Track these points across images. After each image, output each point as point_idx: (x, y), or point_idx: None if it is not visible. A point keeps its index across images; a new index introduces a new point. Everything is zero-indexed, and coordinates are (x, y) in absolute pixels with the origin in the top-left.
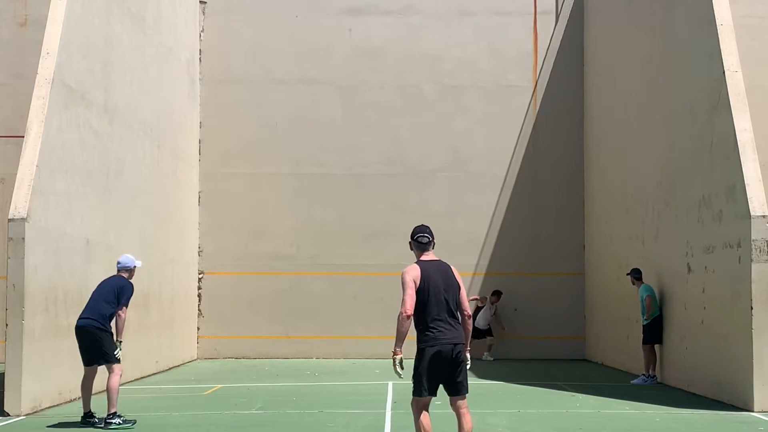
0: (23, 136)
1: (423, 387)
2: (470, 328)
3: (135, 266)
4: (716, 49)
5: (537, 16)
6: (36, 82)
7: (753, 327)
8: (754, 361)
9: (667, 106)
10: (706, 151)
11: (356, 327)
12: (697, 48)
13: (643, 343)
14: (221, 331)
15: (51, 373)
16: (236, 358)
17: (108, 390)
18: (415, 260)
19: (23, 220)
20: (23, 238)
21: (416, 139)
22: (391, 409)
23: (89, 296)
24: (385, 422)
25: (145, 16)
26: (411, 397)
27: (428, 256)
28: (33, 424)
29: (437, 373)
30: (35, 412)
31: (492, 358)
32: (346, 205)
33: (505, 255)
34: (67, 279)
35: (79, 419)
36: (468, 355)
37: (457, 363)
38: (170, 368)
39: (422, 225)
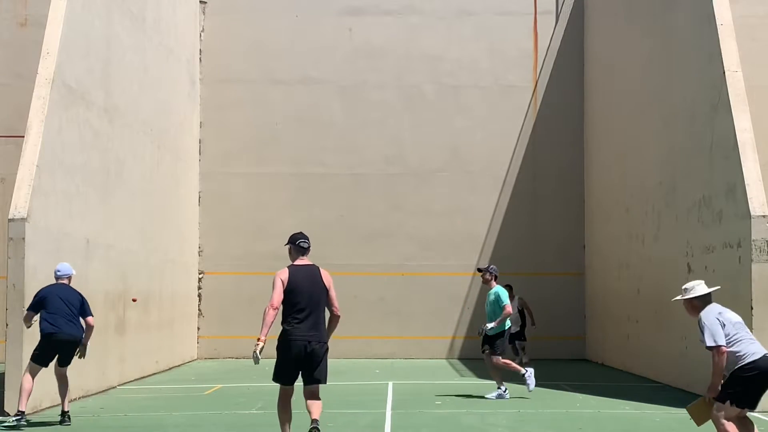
0: (23, 136)
1: (278, 376)
2: (336, 324)
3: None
4: (716, 49)
5: (537, 16)
6: (36, 82)
7: (753, 327)
8: None
9: (667, 106)
10: (706, 151)
11: (356, 327)
12: (697, 48)
13: (500, 354)
14: (221, 331)
15: (51, 373)
16: (236, 358)
17: (66, 390)
18: (290, 263)
19: (23, 220)
20: (23, 238)
21: (416, 139)
22: (391, 409)
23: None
24: (385, 422)
25: (145, 16)
26: (406, 397)
27: (302, 260)
28: (33, 424)
29: (289, 364)
30: (35, 412)
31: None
32: (346, 205)
33: (505, 255)
34: None
35: (62, 419)
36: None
37: (311, 357)
38: (170, 368)
39: (301, 232)
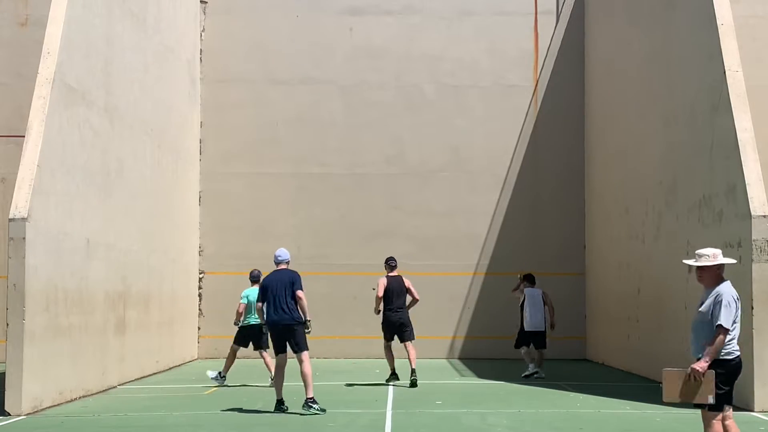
0: (24, 136)
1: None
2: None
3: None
4: (717, 49)
5: (537, 16)
6: (37, 82)
7: (753, 327)
8: (754, 361)
9: (667, 106)
10: (707, 150)
11: (356, 327)
12: (698, 48)
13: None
14: (222, 330)
15: (51, 372)
16: (236, 358)
17: (304, 376)
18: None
19: (24, 219)
20: (24, 238)
21: (416, 139)
22: (391, 409)
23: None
24: (385, 422)
25: (146, 16)
26: (406, 397)
27: (393, 272)
28: (33, 424)
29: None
30: (36, 411)
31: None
32: (346, 205)
33: (505, 255)
34: (68, 279)
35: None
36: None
37: (399, 326)
38: (171, 368)
39: (391, 257)
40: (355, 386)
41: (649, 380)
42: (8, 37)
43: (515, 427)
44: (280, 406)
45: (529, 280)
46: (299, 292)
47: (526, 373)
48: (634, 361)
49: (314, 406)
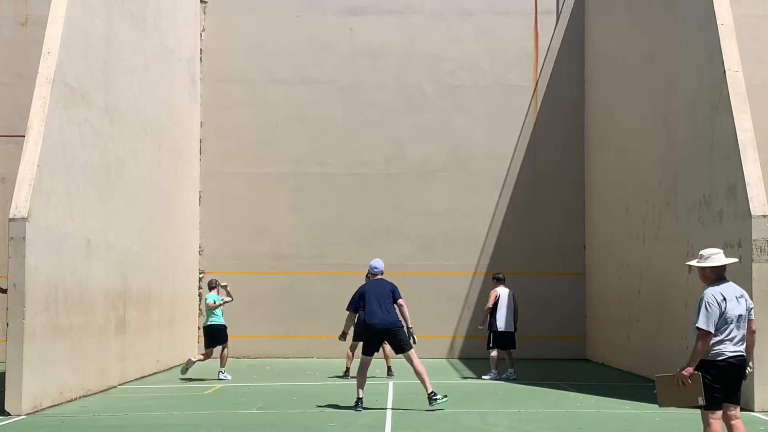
0: (24, 136)
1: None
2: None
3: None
4: (717, 49)
5: (538, 15)
6: (37, 82)
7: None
8: (754, 361)
9: (667, 106)
10: (707, 150)
11: None
12: (698, 48)
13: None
14: None
15: (51, 372)
16: (236, 358)
17: (420, 373)
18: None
19: (24, 219)
20: (24, 238)
21: (416, 139)
22: (391, 409)
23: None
24: (385, 422)
25: (145, 15)
26: (406, 397)
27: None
28: (33, 424)
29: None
30: (36, 411)
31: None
32: (346, 205)
33: (505, 255)
34: (68, 278)
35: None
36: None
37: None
38: (171, 368)
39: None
40: (355, 386)
41: (649, 380)
42: (8, 37)
43: (515, 427)
44: (360, 403)
45: (501, 280)
46: (401, 301)
47: (490, 377)
48: (634, 361)
49: (437, 397)
